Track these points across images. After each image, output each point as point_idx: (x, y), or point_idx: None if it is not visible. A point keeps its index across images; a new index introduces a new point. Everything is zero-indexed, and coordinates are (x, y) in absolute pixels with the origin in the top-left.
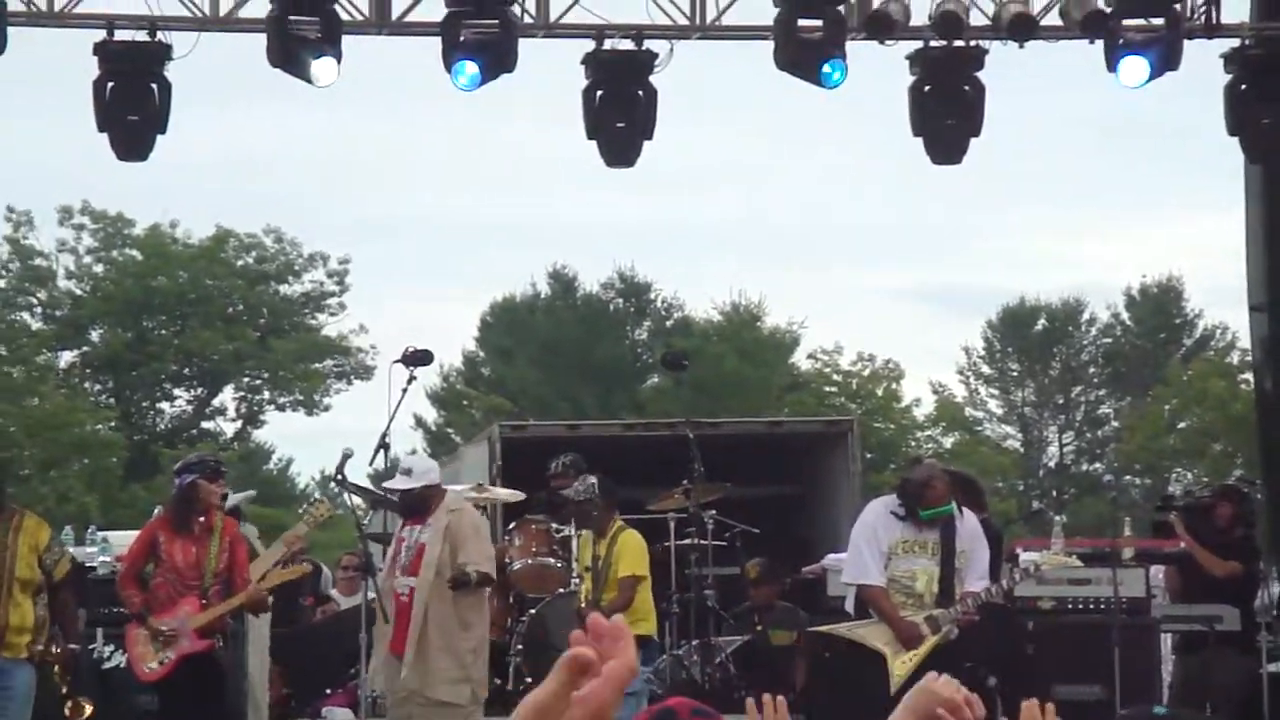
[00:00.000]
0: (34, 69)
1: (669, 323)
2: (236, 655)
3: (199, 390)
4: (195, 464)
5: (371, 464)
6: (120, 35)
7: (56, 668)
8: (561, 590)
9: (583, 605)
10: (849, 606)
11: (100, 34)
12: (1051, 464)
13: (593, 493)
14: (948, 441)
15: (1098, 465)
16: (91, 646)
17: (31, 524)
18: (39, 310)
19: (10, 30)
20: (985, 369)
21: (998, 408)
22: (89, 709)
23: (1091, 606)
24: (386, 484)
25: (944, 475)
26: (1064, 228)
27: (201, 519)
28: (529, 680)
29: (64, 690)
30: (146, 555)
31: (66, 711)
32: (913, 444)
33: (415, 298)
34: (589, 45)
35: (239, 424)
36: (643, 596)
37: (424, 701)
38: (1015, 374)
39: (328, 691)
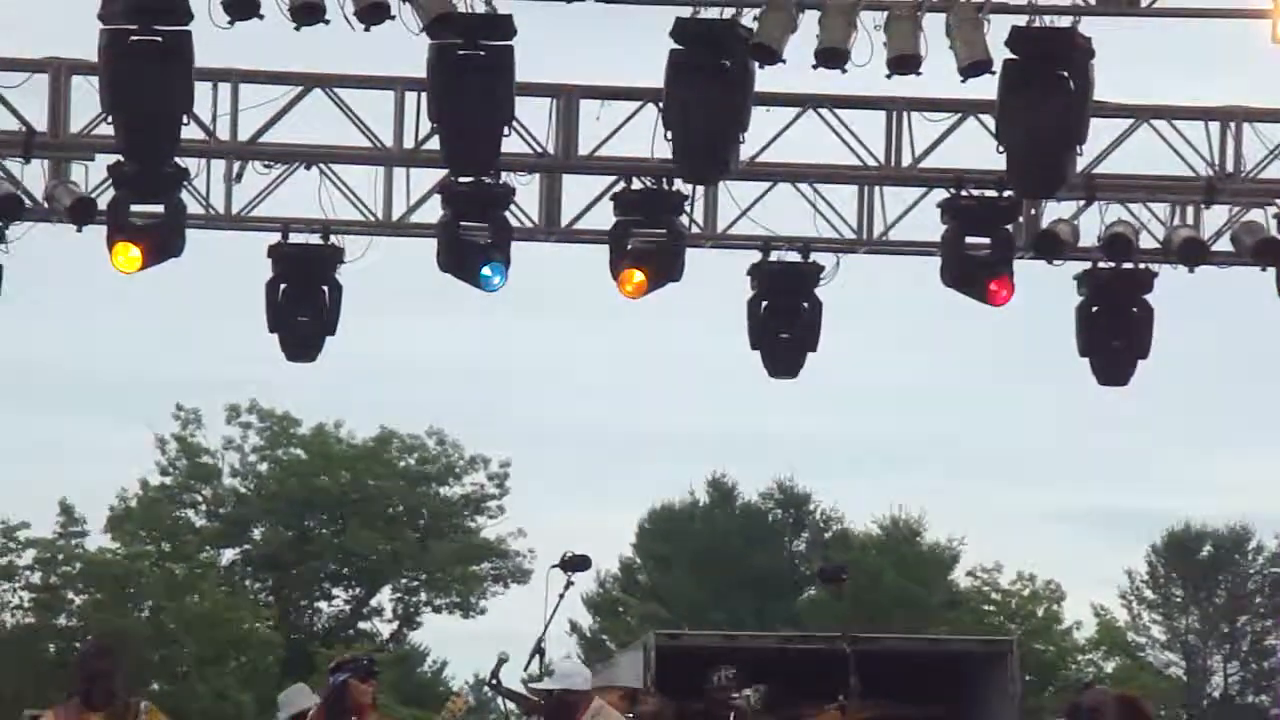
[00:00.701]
0: (208, 270)
1: (827, 535)
2: None
3: (357, 590)
4: (348, 664)
5: (526, 669)
6: (294, 238)
7: None
8: None
9: None
10: None
11: (275, 237)
12: (1216, 694)
13: (748, 704)
14: (1109, 666)
15: (1264, 698)
16: None
17: (153, 716)
18: (203, 508)
19: (188, 233)
20: (1148, 594)
21: (1160, 634)
22: None
23: None
24: (533, 685)
25: (1115, 705)
26: (1232, 453)
27: (354, 719)
28: None
29: None
30: None
31: None
32: (1073, 667)
33: (574, 503)
34: (755, 256)
35: (395, 625)
36: None
37: None
38: (1179, 600)
39: None
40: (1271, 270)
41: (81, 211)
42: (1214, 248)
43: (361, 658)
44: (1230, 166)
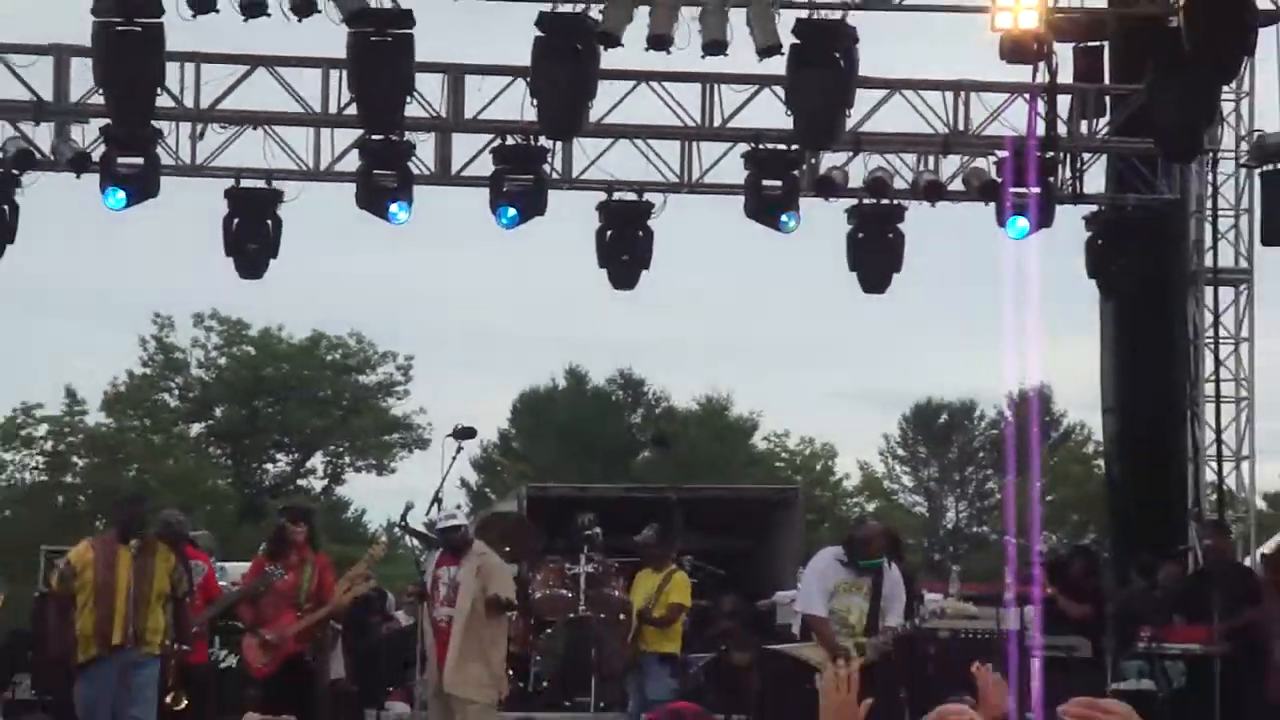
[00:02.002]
0: (178, 208)
1: (657, 410)
2: (321, 660)
3: (295, 455)
4: (283, 510)
5: (427, 514)
6: (244, 183)
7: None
8: (571, 615)
9: (635, 617)
10: (795, 630)
11: (229, 182)
12: (949, 526)
13: (650, 540)
14: (870, 506)
15: (985, 527)
16: (210, 651)
17: (164, 550)
18: (176, 392)
19: (162, 179)
20: (900, 452)
21: (909, 482)
22: (185, 701)
23: (979, 637)
24: (440, 523)
25: (882, 536)
26: (964, 344)
27: (295, 553)
28: (544, 684)
29: (168, 683)
30: (255, 581)
31: (168, 700)
32: (844, 509)
33: (463, 388)
34: (601, 196)
35: (325, 482)
36: (680, 622)
37: (461, 699)
38: (923, 456)
39: (390, 689)
40: (993, 205)
41: (80, 163)
42: (950, 187)
43: (293, 505)
44: (961, 126)
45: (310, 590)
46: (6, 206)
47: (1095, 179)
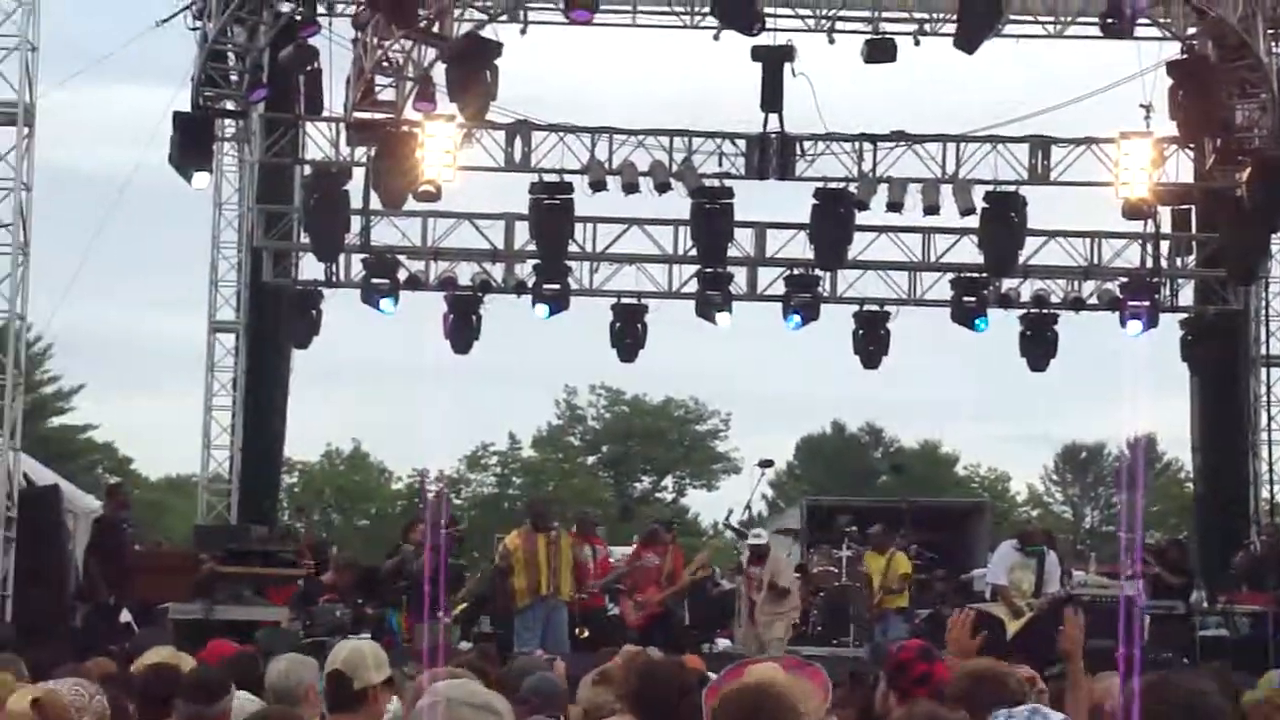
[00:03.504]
0: (581, 316)
1: (892, 449)
2: (678, 615)
3: (654, 477)
4: (659, 521)
5: (741, 518)
6: (623, 300)
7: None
8: (836, 584)
9: (876, 588)
10: (987, 595)
11: (613, 299)
12: (1088, 526)
13: (877, 534)
14: (1034, 514)
15: (1111, 527)
16: (604, 604)
17: (567, 535)
18: (578, 435)
19: (572, 298)
20: (1054, 477)
21: (1060, 497)
22: (586, 632)
23: (1109, 599)
24: (750, 540)
25: (1042, 533)
26: (1098, 404)
27: (661, 547)
28: (819, 628)
29: (576, 621)
30: (634, 563)
31: (577, 631)
32: (1017, 515)
33: (764, 433)
34: (855, 308)
35: (674, 495)
36: (908, 588)
37: (768, 640)
38: (1070, 480)
39: (719, 629)
40: (1117, 313)
41: (519, 288)
42: (1088, 301)
43: (665, 520)
44: (1095, 260)
45: (668, 572)
46: (474, 316)
47: (1186, 295)
